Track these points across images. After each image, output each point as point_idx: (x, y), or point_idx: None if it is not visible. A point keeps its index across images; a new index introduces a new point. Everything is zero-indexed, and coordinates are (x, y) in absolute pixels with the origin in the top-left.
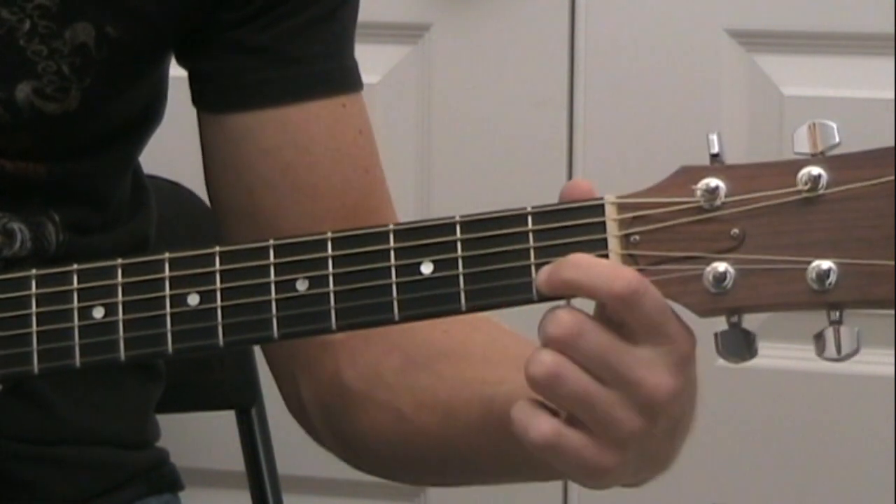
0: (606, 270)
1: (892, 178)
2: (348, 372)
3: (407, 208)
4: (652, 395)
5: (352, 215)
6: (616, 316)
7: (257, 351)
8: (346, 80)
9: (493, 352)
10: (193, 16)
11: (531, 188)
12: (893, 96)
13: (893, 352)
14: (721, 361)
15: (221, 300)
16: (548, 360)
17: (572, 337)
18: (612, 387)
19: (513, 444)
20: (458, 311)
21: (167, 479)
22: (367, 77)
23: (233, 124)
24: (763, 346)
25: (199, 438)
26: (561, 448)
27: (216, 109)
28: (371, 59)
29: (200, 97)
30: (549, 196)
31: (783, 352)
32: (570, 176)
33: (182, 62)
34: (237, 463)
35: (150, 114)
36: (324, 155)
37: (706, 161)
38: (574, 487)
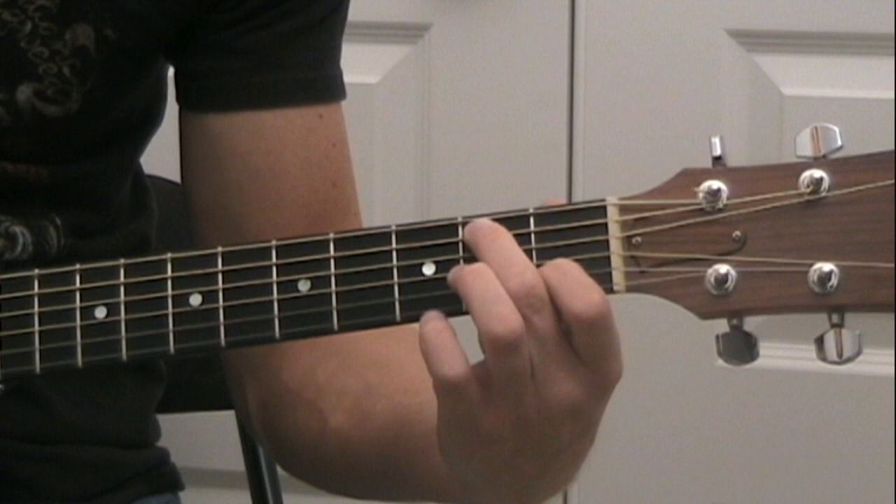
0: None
1: (893, 181)
2: (286, 372)
3: (407, 208)
4: (561, 401)
5: (313, 227)
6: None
7: None
8: (326, 90)
9: (426, 374)
10: (192, 18)
11: (531, 188)
12: (893, 96)
13: (893, 352)
14: (721, 362)
15: (223, 300)
16: (516, 323)
17: (542, 303)
18: (537, 374)
19: (420, 457)
20: (459, 313)
21: (167, 478)
22: (367, 77)
23: (210, 124)
24: (763, 346)
25: (199, 438)
26: (463, 395)
27: (196, 108)
28: (371, 59)
29: (183, 95)
30: (548, 196)
31: (783, 352)
32: (570, 176)
33: (169, 59)
34: (237, 463)
35: (150, 115)
36: (294, 164)
37: (706, 161)
38: (574, 487)
